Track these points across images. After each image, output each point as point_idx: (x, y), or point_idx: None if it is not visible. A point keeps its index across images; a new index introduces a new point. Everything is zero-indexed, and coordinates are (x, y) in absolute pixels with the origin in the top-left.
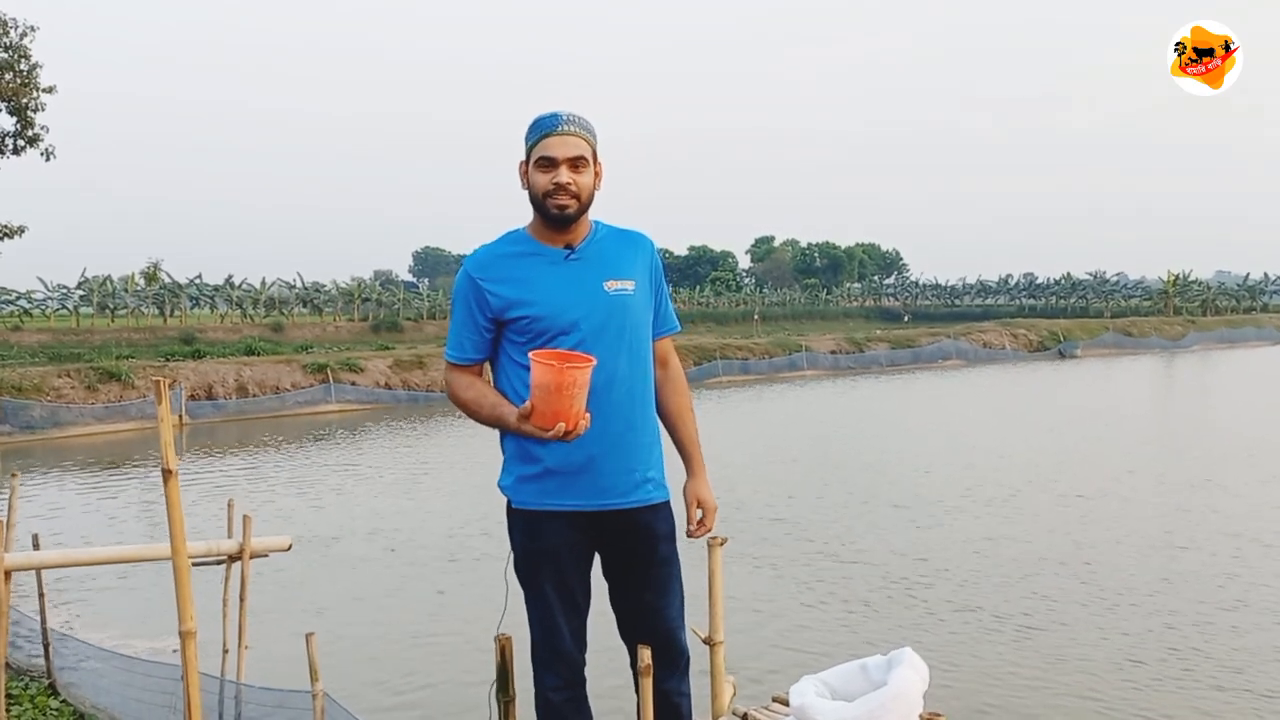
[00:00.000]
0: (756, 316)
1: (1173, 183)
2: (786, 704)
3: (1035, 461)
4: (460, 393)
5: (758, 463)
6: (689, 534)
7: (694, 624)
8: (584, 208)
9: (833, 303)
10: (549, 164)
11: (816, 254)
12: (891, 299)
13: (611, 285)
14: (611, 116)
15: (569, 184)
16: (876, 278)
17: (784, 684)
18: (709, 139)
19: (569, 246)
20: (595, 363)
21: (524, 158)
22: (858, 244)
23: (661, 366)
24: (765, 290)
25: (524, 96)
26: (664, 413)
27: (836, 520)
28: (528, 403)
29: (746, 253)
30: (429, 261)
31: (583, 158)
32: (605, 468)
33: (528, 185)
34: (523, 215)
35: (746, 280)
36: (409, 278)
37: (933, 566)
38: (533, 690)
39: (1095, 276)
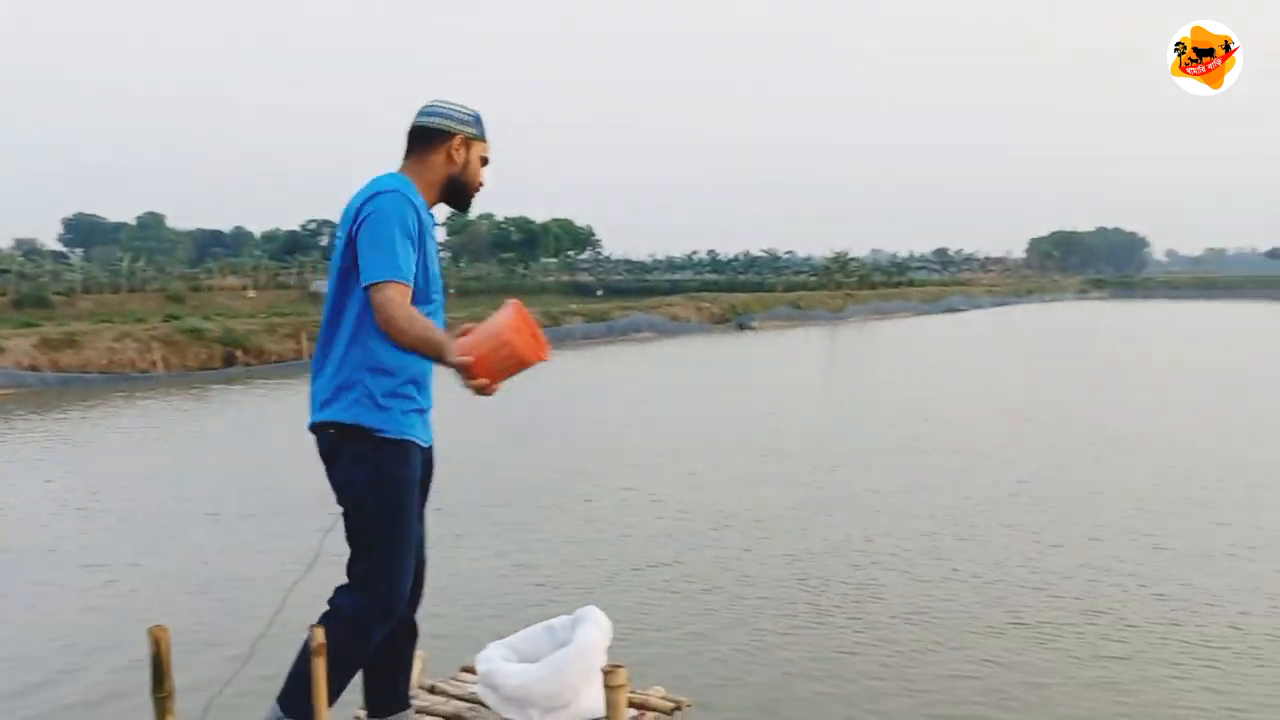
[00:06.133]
0: (452, 290)
1: (836, 163)
2: (475, 672)
3: (731, 424)
4: (399, 310)
5: (458, 433)
6: None
7: None
8: None
9: (529, 277)
10: (484, 164)
11: (513, 229)
12: (586, 274)
13: None
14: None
15: None
16: (571, 253)
17: (474, 653)
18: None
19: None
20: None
21: (466, 140)
22: (553, 220)
23: None
24: (462, 264)
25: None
26: None
27: (532, 487)
28: (476, 345)
29: (442, 225)
30: (83, 230)
31: None
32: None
33: (464, 168)
34: (167, 182)
35: (443, 254)
36: (59, 247)
37: (625, 528)
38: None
39: (769, 254)
